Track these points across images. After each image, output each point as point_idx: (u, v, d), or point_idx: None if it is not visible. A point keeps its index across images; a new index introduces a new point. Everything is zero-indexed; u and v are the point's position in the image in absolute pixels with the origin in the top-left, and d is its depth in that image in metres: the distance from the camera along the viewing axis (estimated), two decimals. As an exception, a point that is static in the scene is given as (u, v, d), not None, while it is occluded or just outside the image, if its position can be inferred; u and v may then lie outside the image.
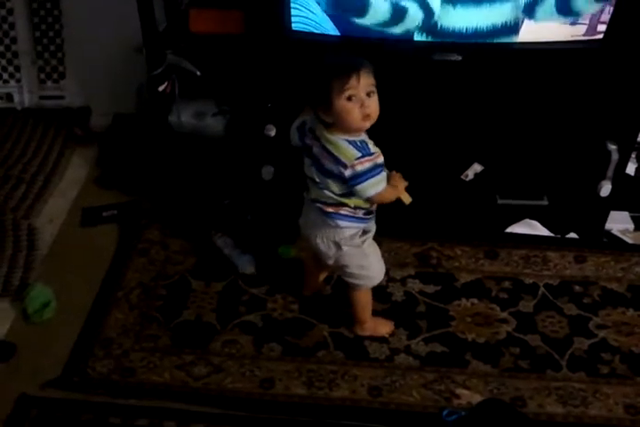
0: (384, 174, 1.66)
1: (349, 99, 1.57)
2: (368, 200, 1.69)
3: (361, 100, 1.57)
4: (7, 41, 2.56)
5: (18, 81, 2.62)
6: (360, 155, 1.61)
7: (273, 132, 2.01)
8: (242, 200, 2.22)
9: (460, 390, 1.80)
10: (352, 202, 1.69)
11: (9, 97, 2.65)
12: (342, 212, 1.70)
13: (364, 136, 1.65)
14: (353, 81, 1.56)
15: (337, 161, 1.63)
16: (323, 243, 1.75)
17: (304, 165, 1.72)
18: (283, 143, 2.01)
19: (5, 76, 2.62)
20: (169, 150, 2.28)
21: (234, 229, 2.18)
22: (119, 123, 2.55)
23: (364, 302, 1.88)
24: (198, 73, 2.14)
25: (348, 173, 1.62)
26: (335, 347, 1.90)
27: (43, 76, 2.63)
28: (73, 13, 2.46)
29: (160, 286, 2.07)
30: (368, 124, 1.61)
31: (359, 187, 1.63)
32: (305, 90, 1.64)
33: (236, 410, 1.76)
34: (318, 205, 1.72)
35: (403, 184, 1.72)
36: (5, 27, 2.54)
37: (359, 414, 1.75)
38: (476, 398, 1.74)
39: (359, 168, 1.61)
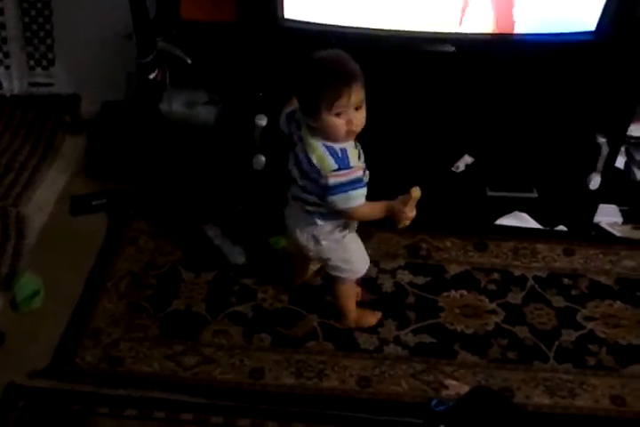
0: (361, 191, 1.58)
1: (337, 115, 1.52)
2: (341, 213, 1.63)
3: (348, 117, 1.52)
4: (-5, 27, 2.53)
5: (7, 67, 2.58)
6: (336, 167, 1.56)
7: (264, 122, 2.00)
8: (233, 190, 2.22)
9: (448, 381, 1.81)
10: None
11: (-3, 84, 2.62)
12: (322, 210, 1.67)
13: (347, 143, 1.58)
14: (343, 100, 1.49)
15: (313, 167, 1.58)
16: (302, 236, 1.74)
17: (288, 160, 1.69)
18: (274, 133, 2.00)
19: (-6, 62, 2.59)
20: (159, 139, 2.26)
21: (224, 220, 2.18)
22: (109, 110, 2.53)
23: (348, 294, 1.88)
24: (189, 61, 2.12)
25: (322, 182, 1.58)
26: (325, 337, 1.91)
27: (32, 62, 2.59)
28: (62, -1, 2.43)
29: (150, 276, 2.06)
30: (351, 138, 1.57)
31: (329, 198, 1.59)
32: (294, 87, 1.58)
33: (226, 400, 1.76)
34: (298, 202, 1.70)
35: (410, 212, 1.57)
36: (-7, 12, 2.51)
37: (348, 405, 1.76)
38: (464, 389, 1.75)
39: (332, 181, 1.56)
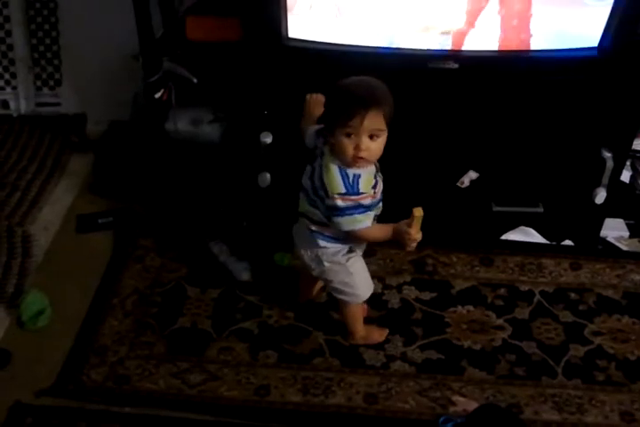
0: (368, 215, 1.59)
1: (348, 135, 1.53)
2: (348, 234, 1.63)
3: (358, 141, 1.52)
4: (4, 48, 2.56)
5: (14, 88, 2.62)
6: (344, 191, 1.56)
7: (269, 140, 2.01)
8: (238, 207, 2.22)
9: (455, 398, 1.79)
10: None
11: (5, 104, 2.65)
12: (326, 233, 1.68)
13: (363, 170, 1.58)
14: (356, 121, 1.49)
15: (323, 185, 1.59)
16: (307, 255, 1.75)
17: (304, 173, 1.70)
18: (279, 150, 2.02)
19: (1, 83, 2.62)
20: (165, 157, 2.28)
21: (230, 237, 2.18)
22: (115, 130, 2.55)
23: (353, 314, 1.87)
24: (195, 80, 2.14)
25: (327, 202, 1.59)
26: (331, 354, 1.90)
27: (39, 83, 2.63)
28: (69, 20, 2.46)
29: (155, 293, 2.06)
30: (360, 164, 1.56)
31: (334, 219, 1.60)
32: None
33: (232, 418, 1.75)
34: (305, 220, 1.71)
35: (416, 233, 1.55)
36: (2, 34, 2.54)
37: (355, 422, 1.75)
38: (472, 406, 1.74)
39: (339, 203, 1.56)
